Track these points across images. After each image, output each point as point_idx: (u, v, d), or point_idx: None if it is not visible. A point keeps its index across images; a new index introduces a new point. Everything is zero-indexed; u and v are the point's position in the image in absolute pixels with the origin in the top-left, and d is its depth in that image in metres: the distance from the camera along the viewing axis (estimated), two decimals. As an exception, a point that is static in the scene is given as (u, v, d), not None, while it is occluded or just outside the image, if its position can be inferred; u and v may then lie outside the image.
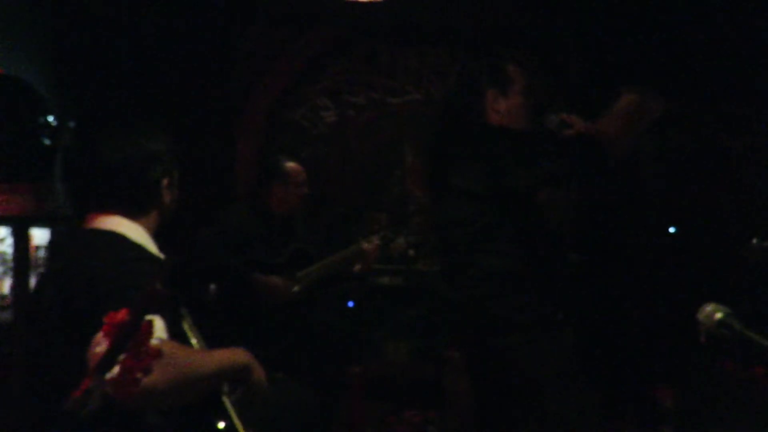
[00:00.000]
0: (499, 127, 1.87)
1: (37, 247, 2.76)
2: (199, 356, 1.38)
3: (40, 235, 2.77)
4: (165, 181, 1.49)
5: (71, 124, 3.08)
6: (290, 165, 2.82)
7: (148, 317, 0.89)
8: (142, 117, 3.46)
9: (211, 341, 1.52)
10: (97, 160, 1.44)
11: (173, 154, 1.51)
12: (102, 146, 1.45)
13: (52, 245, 2.70)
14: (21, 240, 2.65)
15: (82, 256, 1.38)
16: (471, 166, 1.86)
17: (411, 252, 3.38)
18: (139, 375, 0.90)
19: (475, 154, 1.86)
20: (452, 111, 1.96)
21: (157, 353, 0.91)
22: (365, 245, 2.83)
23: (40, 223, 2.77)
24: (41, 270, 2.69)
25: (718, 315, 1.24)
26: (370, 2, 3.36)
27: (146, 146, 1.47)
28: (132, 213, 1.45)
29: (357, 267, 2.84)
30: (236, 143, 3.80)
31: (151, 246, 1.46)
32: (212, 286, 2.64)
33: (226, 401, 1.42)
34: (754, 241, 1.29)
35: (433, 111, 3.86)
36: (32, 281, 2.62)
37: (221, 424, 1.36)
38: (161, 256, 1.45)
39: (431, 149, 2.09)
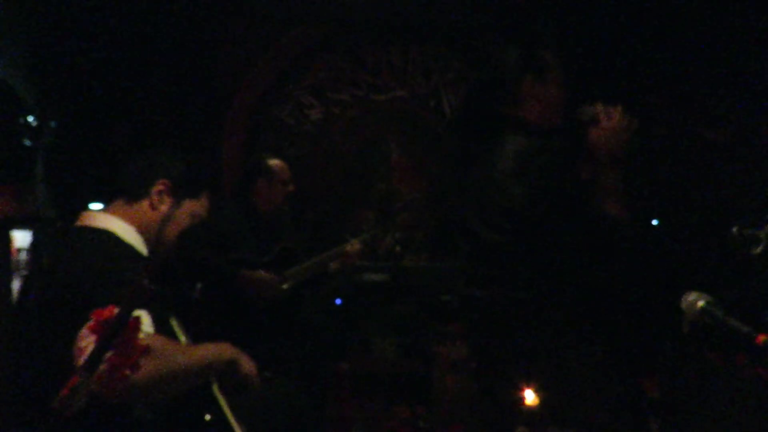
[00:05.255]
0: (528, 124, 1.76)
1: (19, 250, 2.73)
2: (186, 351, 1.38)
3: (21, 237, 2.74)
4: (159, 183, 1.50)
5: (52, 125, 3.05)
6: (274, 162, 2.81)
7: (136, 313, 0.89)
8: (128, 117, 3.44)
9: (199, 341, 1.51)
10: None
11: (184, 177, 1.54)
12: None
13: (41, 243, 2.67)
14: (2, 242, 2.62)
15: (71, 253, 1.38)
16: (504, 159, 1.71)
17: (398, 248, 3.40)
18: (126, 371, 0.89)
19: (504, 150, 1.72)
20: (482, 99, 1.84)
21: (145, 350, 0.91)
22: (348, 247, 2.84)
23: (21, 224, 2.74)
24: (23, 272, 2.66)
25: (700, 303, 1.25)
26: (354, -1, 3.36)
27: (153, 155, 1.57)
28: (125, 200, 1.49)
29: (333, 265, 2.84)
30: (221, 142, 3.79)
31: (141, 246, 1.47)
32: (199, 285, 2.63)
33: (218, 394, 1.42)
34: (734, 229, 1.31)
35: (418, 108, 3.89)
36: (14, 284, 2.59)
37: (207, 417, 1.36)
38: (150, 257, 1.45)
39: (454, 134, 1.98)
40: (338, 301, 3.42)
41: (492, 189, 1.76)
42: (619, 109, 1.73)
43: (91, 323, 0.89)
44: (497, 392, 1.78)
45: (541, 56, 1.81)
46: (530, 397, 1.67)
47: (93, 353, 0.86)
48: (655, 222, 3.27)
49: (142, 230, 1.48)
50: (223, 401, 1.43)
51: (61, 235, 1.55)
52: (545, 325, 1.71)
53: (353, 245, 2.86)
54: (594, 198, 1.74)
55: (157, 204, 1.50)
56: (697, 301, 1.25)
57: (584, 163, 1.75)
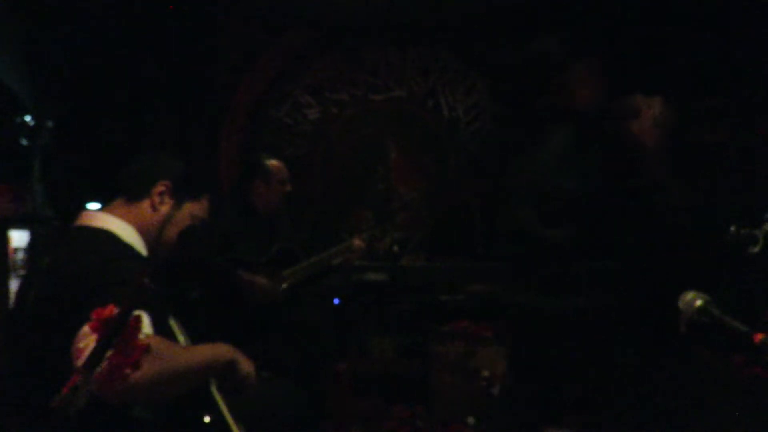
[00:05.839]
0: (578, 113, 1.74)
1: (16, 249, 2.72)
2: (185, 351, 1.38)
3: (18, 237, 2.73)
4: (161, 184, 1.50)
5: (49, 124, 3.04)
6: (272, 162, 2.82)
7: (136, 313, 0.89)
8: (126, 117, 3.44)
9: (198, 341, 1.51)
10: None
11: (185, 178, 1.55)
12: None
13: (38, 242, 2.67)
14: (0, 242, 2.61)
15: (70, 253, 1.38)
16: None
17: (396, 248, 3.39)
18: (127, 371, 0.89)
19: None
20: (529, 91, 1.83)
21: (146, 349, 0.91)
22: (356, 242, 2.85)
23: (19, 224, 2.74)
24: (21, 272, 2.65)
25: (698, 302, 1.26)
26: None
27: (154, 156, 1.58)
28: (125, 200, 1.49)
29: (337, 260, 2.85)
30: (219, 142, 3.78)
31: (140, 246, 1.47)
32: (198, 285, 2.63)
33: (217, 395, 1.42)
34: (732, 228, 1.32)
35: (416, 107, 3.89)
36: (12, 283, 2.59)
37: (207, 418, 1.36)
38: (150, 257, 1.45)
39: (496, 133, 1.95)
40: (336, 301, 3.42)
41: (549, 180, 1.73)
42: (659, 100, 1.72)
43: (91, 322, 0.89)
44: (529, 395, 1.74)
45: (587, 45, 1.81)
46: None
47: (93, 352, 0.86)
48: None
49: (141, 230, 1.48)
50: (221, 402, 1.43)
51: (61, 234, 1.56)
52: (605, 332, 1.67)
53: (359, 241, 2.88)
54: (649, 188, 1.71)
55: (158, 205, 1.50)
56: (695, 300, 1.25)
57: (626, 154, 1.73)
